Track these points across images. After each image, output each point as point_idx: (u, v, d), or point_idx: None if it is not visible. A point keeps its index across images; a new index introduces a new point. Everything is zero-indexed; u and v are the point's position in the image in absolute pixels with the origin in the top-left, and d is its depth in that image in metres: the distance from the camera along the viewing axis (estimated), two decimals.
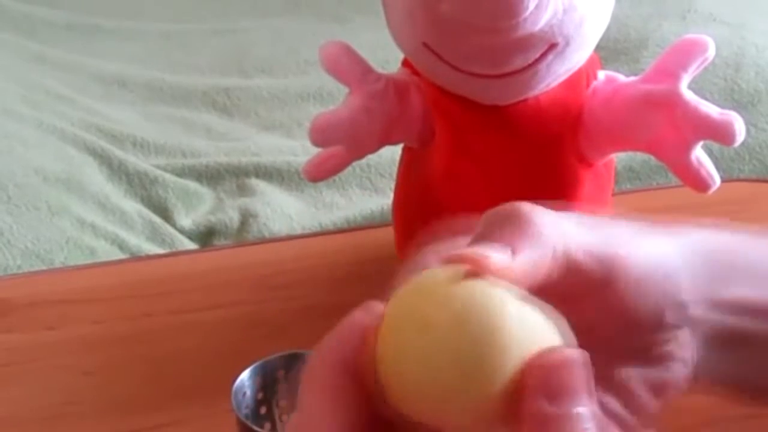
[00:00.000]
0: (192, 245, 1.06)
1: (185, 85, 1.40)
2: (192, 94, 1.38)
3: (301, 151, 1.19)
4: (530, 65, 0.49)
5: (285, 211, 1.10)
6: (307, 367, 0.30)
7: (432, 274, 0.30)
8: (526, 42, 0.48)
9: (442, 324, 0.28)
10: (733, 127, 0.50)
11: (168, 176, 1.15)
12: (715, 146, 0.52)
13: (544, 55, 0.49)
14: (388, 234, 0.62)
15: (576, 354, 0.28)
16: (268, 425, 0.48)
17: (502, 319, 0.28)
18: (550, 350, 0.28)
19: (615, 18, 0.52)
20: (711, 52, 0.51)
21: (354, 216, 1.06)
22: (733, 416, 0.48)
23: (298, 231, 1.05)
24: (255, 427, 0.44)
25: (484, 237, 0.31)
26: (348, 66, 0.54)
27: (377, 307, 0.30)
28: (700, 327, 0.34)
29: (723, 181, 0.53)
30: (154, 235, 1.07)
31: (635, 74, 0.54)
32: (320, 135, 0.54)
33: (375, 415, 0.29)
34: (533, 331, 0.29)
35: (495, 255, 0.30)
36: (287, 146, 1.23)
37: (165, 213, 1.12)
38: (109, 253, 1.00)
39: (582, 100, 0.54)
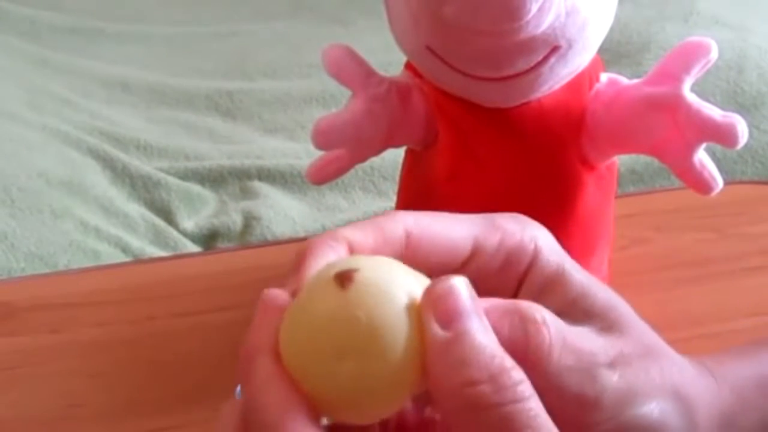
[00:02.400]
0: (195, 248, 1.06)
1: (188, 89, 1.40)
2: (195, 98, 1.38)
3: (304, 154, 1.19)
4: (533, 68, 0.49)
5: (288, 214, 1.10)
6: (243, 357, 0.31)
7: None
8: (529, 45, 0.48)
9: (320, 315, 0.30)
10: (736, 130, 0.50)
11: (171, 179, 1.15)
12: (718, 148, 0.52)
13: (546, 57, 0.49)
14: None
15: (458, 279, 0.30)
16: None
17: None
18: (434, 282, 0.30)
19: (618, 21, 0.52)
20: (714, 55, 0.51)
21: (357, 218, 1.06)
22: None
23: (301, 234, 1.05)
24: None
25: None
26: (351, 69, 0.54)
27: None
28: None
29: (726, 183, 0.53)
30: (158, 238, 1.07)
31: (638, 77, 0.54)
32: (323, 138, 0.54)
33: None
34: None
35: None
36: (290, 149, 1.23)
37: (168, 216, 1.12)
38: (112, 256, 1.01)
39: (584, 103, 0.54)
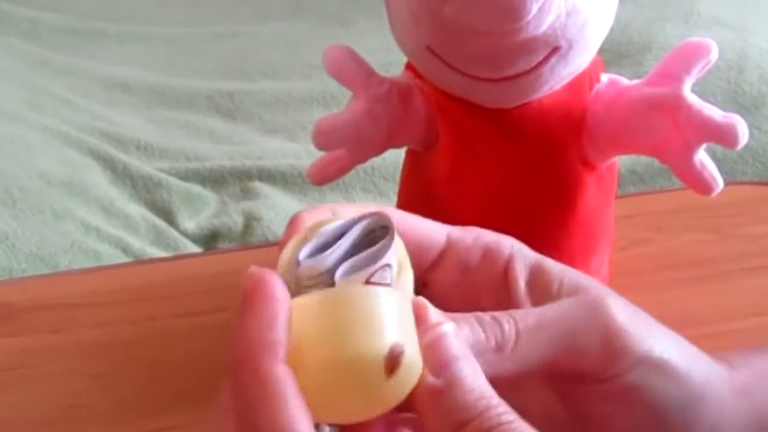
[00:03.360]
0: (196, 249, 1.06)
1: (189, 89, 1.40)
2: (195, 98, 1.38)
3: (305, 155, 1.19)
4: (533, 68, 0.49)
5: (289, 215, 1.09)
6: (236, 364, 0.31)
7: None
8: (530, 45, 0.48)
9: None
10: (736, 130, 0.50)
11: (172, 180, 1.15)
12: (718, 149, 0.52)
13: (547, 58, 0.49)
14: None
15: (447, 326, 0.32)
16: None
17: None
18: (423, 331, 0.32)
19: (618, 21, 0.52)
20: (714, 55, 0.51)
21: None
22: None
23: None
24: None
25: None
26: (351, 69, 0.54)
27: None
28: None
29: (726, 183, 0.53)
30: (158, 239, 1.07)
31: (638, 77, 0.54)
32: (323, 138, 0.54)
33: None
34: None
35: None
36: (291, 150, 1.23)
37: (169, 216, 1.12)
38: (113, 256, 1.01)
39: (585, 103, 0.54)
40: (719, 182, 0.52)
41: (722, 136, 0.50)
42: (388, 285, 0.33)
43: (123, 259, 1.01)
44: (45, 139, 1.19)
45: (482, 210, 0.55)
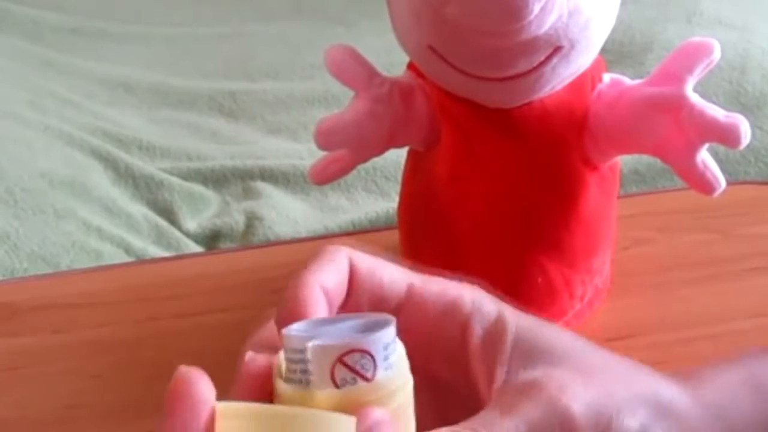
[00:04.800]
0: (198, 248, 1.06)
1: (191, 89, 1.40)
2: (197, 98, 1.38)
3: (307, 155, 1.19)
4: (535, 68, 0.49)
5: (290, 215, 1.10)
6: None
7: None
8: (531, 45, 0.48)
9: None
10: (739, 130, 0.50)
11: (174, 180, 1.15)
12: (721, 149, 0.52)
13: (549, 58, 0.49)
14: (394, 237, 0.62)
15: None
16: None
17: None
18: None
19: (620, 21, 0.52)
20: (716, 55, 0.51)
21: (359, 219, 1.06)
22: None
23: (304, 234, 1.05)
24: None
25: None
26: (353, 70, 0.54)
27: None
28: None
29: (728, 183, 0.52)
30: (160, 239, 1.07)
31: (640, 77, 0.54)
32: (325, 138, 0.54)
33: None
34: None
35: None
36: (293, 150, 1.23)
37: (171, 216, 1.12)
38: (115, 256, 1.00)
39: (587, 103, 0.54)
40: (721, 182, 0.52)
41: (725, 135, 0.50)
42: (365, 379, 0.30)
43: (125, 259, 1.00)
44: (47, 139, 1.19)
45: (484, 210, 0.55)
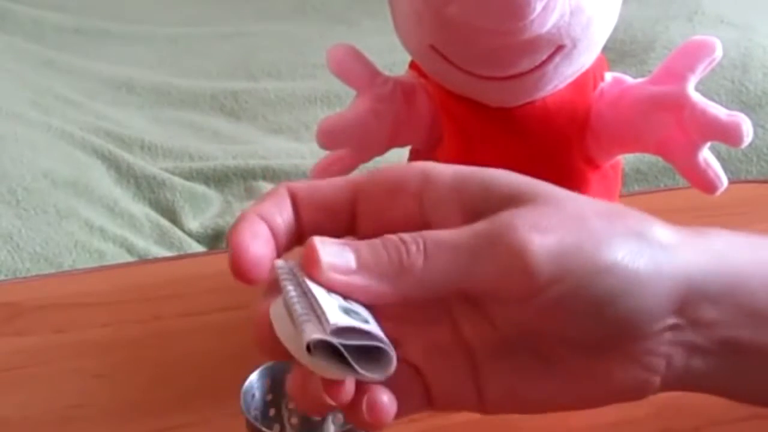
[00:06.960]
0: (200, 248, 1.06)
1: (193, 89, 1.40)
2: (200, 98, 1.38)
3: (309, 154, 1.19)
4: (537, 67, 0.49)
5: None
6: None
7: None
8: (534, 44, 0.48)
9: None
10: (741, 129, 0.50)
11: (176, 179, 1.15)
12: (723, 148, 0.52)
13: (551, 57, 0.49)
14: None
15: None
16: (277, 427, 0.48)
17: None
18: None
19: (622, 20, 0.52)
20: (718, 54, 0.51)
21: None
22: (738, 417, 0.47)
23: None
24: (264, 429, 0.44)
25: None
26: (355, 69, 0.54)
27: None
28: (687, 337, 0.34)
29: (730, 182, 0.52)
30: (162, 239, 1.07)
31: (642, 76, 0.54)
32: (327, 138, 0.54)
33: None
34: None
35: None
36: (295, 149, 1.23)
37: (173, 216, 1.12)
38: (117, 256, 1.01)
39: (589, 102, 0.54)
40: (723, 181, 0.52)
41: (727, 134, 0.50)
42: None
43: (127, 258, 1.01)
44: (49, 139, 1.19)
45: None
